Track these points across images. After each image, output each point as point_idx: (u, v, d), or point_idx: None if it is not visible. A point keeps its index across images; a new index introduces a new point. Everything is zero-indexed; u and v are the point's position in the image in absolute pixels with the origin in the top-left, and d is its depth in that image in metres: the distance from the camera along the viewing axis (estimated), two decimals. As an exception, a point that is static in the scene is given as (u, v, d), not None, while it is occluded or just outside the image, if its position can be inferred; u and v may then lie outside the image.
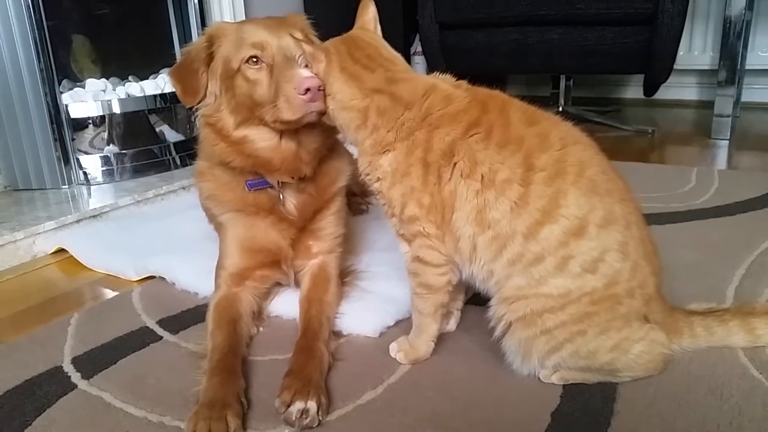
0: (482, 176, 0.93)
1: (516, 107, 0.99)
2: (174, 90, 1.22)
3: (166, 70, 2.55)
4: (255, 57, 1.14)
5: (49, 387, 1.06)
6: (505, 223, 0.92)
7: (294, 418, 0.91)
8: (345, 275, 1.35)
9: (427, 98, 0.98)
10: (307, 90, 1.04)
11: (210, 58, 1.20)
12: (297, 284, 1.30)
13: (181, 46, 2.65)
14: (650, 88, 2.83)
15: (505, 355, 1.01)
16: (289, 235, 1.25)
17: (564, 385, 0.99)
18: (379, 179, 1.00)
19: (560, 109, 3.29)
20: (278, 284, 1.32)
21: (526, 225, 0.91)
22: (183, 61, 1.22)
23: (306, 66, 1.07)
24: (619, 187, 0.96)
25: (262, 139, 1.19)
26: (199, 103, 1.21)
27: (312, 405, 0.93)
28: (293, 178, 1.21)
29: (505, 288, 0.96)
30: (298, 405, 0.92)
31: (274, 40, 1.15)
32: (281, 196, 1.24)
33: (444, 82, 1.03)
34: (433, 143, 0.96)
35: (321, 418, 0.93)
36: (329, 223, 1.31)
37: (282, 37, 1.15)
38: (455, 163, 0.95)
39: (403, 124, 0.97)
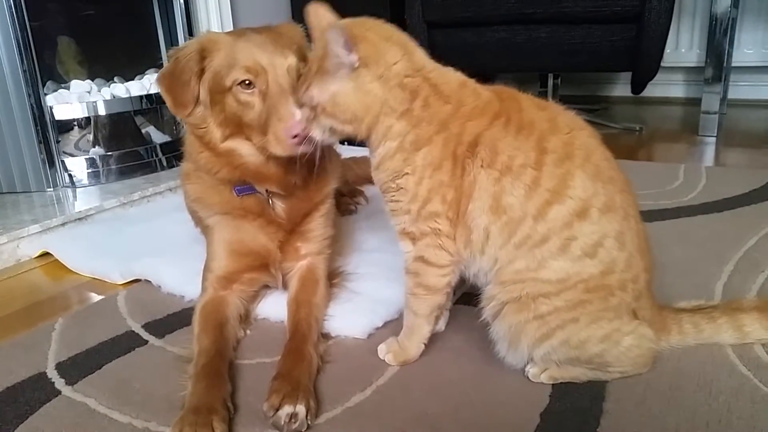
0: (502, 164, 0.93)
1: (524, 95, 1.01)
2: (163, 97, 1.19)
3: (152, 71, 2.54)
4: (248, 80, 1.12)
5: (32, 393, 1.04)
6: (518, 207, 0.92)
7: (283, 423, 0.90)
8: (333, 277, 1.33)
9: (462, 90, 0.98)
10: (296, 134, 1.04)
11: (202, 70, 1.16)
12: (285, 286, 1.29)
13: (167, 47, 2.63)
14: (638, 85, 2.84)
15: (493, 342, 1.00)
16: (278, 237, 1.24)
17: (553, 385, 0.99)
18: (406, 174, 0.97)
19: (548, 107, 3.29)
20: (266, 287, 1.31)
21: (536, 206, 0.91)
22: (173, 69, 1.18)
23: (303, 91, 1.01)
24: (621, 178, 0.97)
25: (250, 154, 1.17)
26: (189, 114, 1.18)
27: (301, 409, 0.91)
28: (282, 189, 1.20)
29: (504, 272, 0.96)
30: (287, 409, 0.91)
31: (269, 65, 1.11)
32: (270, 201, 1.23)
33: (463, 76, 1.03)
34: (464, 136, 0.95)
35: (310, 422, 0.92)
36: (318, 225, 1.30)
37: (277, 60, 1.11)
38: (477, 153, 0.94)
39: (442, 118, 0.95)
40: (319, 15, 0.99)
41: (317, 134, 0.97)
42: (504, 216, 0.93)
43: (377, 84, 0.93)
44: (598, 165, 0.94)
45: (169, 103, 1.18)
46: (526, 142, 0.93)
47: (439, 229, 0.97)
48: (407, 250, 1.02)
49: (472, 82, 1.01)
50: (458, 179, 0.95)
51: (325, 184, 1.30)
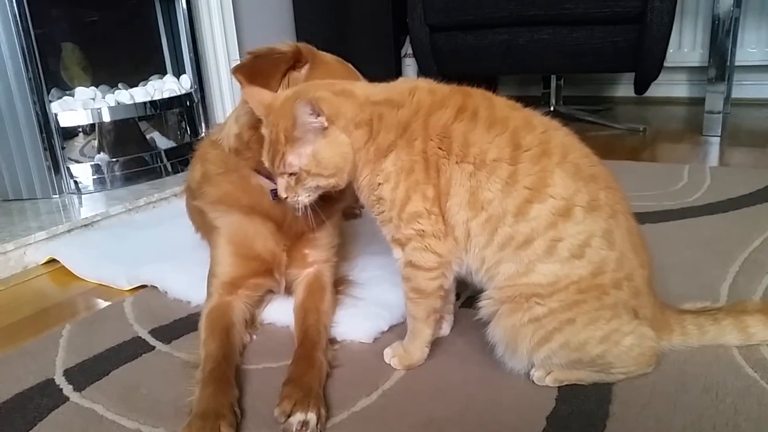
0: (474, 157, 0.94)
1: (497, 97, 1.03)
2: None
3: (156, 77, 2.55)
4: None
5: (40, 400, 1.05)
6: (497, 203, 0.93)
7: (294, 430, 0.91)
8: (339, 284, 1.34)
9: (413, 94, 1.00)
10: None
11: (290, 70, 1.15)
12: (288, 292, 1.29)
13: (170, 53, 2.65)
14: (641, 86, 2.84)
15: (495, 348, 1.01)
16: (284, 242, 1.25)
17: (559, 388, 0.99)
18: (380, 184, 0.99)
19: (552, 108, 3.30)
20: (271, 292, 1.32)
21: (516, 204, 0.92)
22: (255, 61, 1.16)
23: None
24: (604, 175, 0.98)
25: None
26: None
27: (312, 417, 0.92)
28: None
29: (496, 279, 0.97)
30: (299, 416, 0.92)
31: None
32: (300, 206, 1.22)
33: (422, 81, 1.05)
34: (429, 130, 0.97)
35: (320, 430, 0.92)
36: (326, 233, 1.30)
37: None
38: (452, 150, 0.95)
39: (400, 121, 0.98)
40: (256, 94, 1.02)
41: (303, 198, 1.01)
42: (483, 212, 0.94)
43: (344, 135, 0.97)
44: (577, 163, 0.95)
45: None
46: (499, 138, 0.95)
47: (423, 230, 0.98)
48: (398, 257, 1.04)
49: (425, 84, 1.03)
50: (434, 179, 0.97)
51: (343, 199, 1.31)
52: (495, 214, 0.94)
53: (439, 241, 0.99)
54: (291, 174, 0.98)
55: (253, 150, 1.19)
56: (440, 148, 0.96)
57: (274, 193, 1.20)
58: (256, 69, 1.14)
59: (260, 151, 1.18)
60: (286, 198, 1.01)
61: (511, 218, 0.93)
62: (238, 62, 1.19)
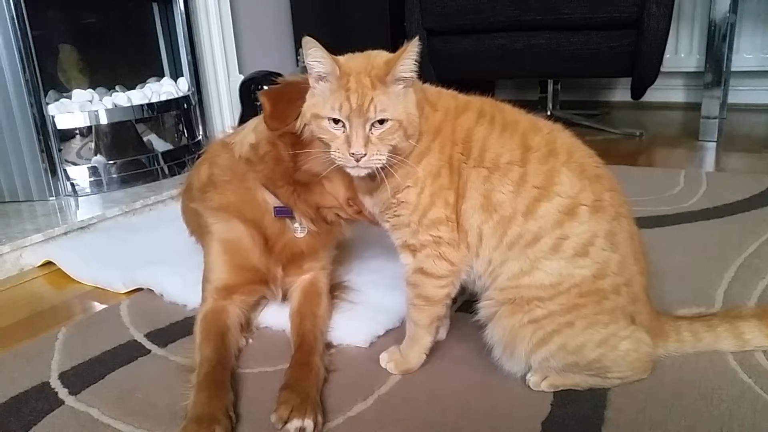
0: (490, 162, 0.96)
1: (502, 102, 1.06)
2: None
3: (153, 79, 2.55)
4: None
5: (35, 404, 1.05)
6: (508, 205, 0.95)
7: None
8: (335, 289, 1.34)
9: (441, 97, 1.02)
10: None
11: None
12: (284, 299, 1.29)
13: (167, 55, 2.65)
14: (638, 91, 2.85)
15: (491, 348, 1.01)
16: (281, 260, 1.24)
17: (554, 393, 0.99)
18: (408, 187, 0.98)
19: (549, 113, 3.30)
20: (265, 297, 1.31)
21: (525, 203, 0.94)
22: (283, 87, 1.13)
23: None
24: (608, 176, 1.00)
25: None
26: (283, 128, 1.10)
27: (309, 423, 0.92)
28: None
29: (499, 279, 0.98)
30: (296, 423, 0.92)
31: None
32: (303, 227, 1.23)
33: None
34: (456, 134, 0.98)
35: None
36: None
37: None
38: (471, 154, 0.97)
39: (434, 125, 0.98)
40: (320, 45, 0.93)
41: (383, 157, 0.91)
42: (495, 215, 0.95)
43: (416, 98, 0.94)
44: (582, 163, 0.97)
45: (266, 112, 1.10)
46: (510, 140, 0.97)
47: (440, 237, 0.98)
48: (407, 263, 1.04)
49: (445, 90, 1.06)
50: (455, 183, 0.98)
51: (340, 232, 1.30)
52: (506, 215, 0.95)
53: (453, 249, 0.99)
54: (375, 124, 0.90)
55: (267, 165, 1.17)
56: (462, 153, 0.97)
57: (278, 210, 1.20)
58: (282, 93, 1.11)
59: (273, 168, 1.16)
60: (363, 156, 0.89)
61: (520, 218, 0.94)
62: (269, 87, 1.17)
